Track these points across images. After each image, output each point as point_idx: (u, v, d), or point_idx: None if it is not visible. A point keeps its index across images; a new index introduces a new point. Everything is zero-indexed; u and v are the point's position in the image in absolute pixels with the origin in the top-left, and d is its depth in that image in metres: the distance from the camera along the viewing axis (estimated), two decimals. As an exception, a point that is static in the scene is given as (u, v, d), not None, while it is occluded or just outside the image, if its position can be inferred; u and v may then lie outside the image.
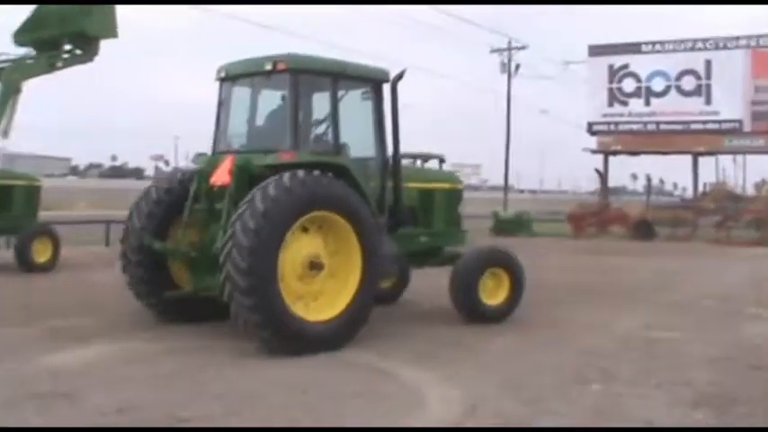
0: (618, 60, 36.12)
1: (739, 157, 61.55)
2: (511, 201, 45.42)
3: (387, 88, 8.74)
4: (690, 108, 34.45)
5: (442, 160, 25.10)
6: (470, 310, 9.27)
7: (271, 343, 7.38)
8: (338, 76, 8.48)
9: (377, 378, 6.64)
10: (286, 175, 7.54)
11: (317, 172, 7.75)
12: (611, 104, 36.16)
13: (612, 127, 36.19)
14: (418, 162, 24.82)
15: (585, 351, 7.69)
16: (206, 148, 8.98)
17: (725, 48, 33.72)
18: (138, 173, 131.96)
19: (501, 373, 6.82)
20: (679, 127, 34.69)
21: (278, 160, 7.96)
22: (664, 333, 8.83)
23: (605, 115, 36.20)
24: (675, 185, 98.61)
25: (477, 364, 7.20)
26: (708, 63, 34.06)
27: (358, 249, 7.94)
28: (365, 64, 9.01)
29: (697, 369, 7.00)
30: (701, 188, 38.34)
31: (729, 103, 33.40)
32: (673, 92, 34.90)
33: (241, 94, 8.87)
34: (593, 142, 36.58)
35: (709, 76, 34.02)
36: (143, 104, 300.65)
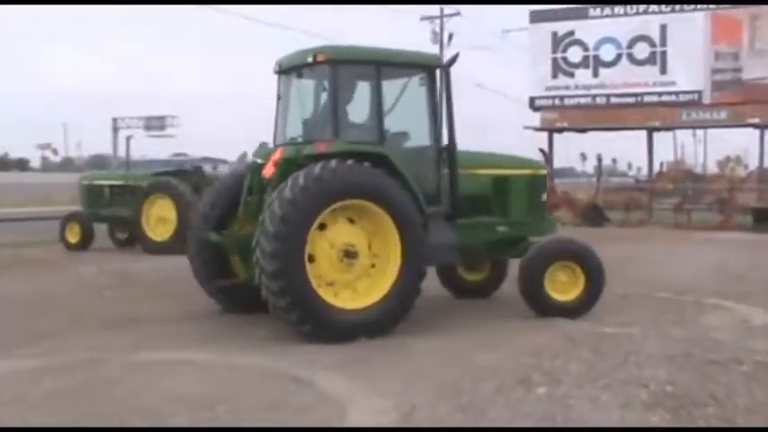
0: (562, 27, 36.54)
1: (700, 132, 63.18)
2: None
3: (439, 74, 9.66)
4: (643, 78, 34.89)
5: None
6: (538, 306, 9.84)
7: (300, 327, 8.49)
8: (382, 65, 9.43)
9: (294, 388, 6.72)
10: (317, 165, 8.60)
11: (350, 161, 8.67)
12: (555, 76, 36.60)
13: (557, 101, 36.69)
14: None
15: (529, 350, 7.87)
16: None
17: (681, 11, 34.41)
18: (22, 164, 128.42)
19: (436, 377, 6.95)
20: (632, 100, 35.22)
21: (314, 151, 9.08)
22: (615, 328, 9.10)
23: (549, 88, 36.64)
24: (629, 165, 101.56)
25: (409, 368, 7.32)
26: (663, 28, 34.63)
27: (397, 238, 8.88)
28: (415, 51, 9.98)
29: (652, 367, 7.22)
30: (657, 168, 39.37)
31: (687, 73, 33.78)
32: (624, 61, 35.35)
33: (293, 86, 10.07)
34: (536, 119, 37.09)
35: (664, 43, 34.36)
36: (27, 93, 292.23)
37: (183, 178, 19.36)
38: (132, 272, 14.76)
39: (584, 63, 36.16)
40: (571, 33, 36.35)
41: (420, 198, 9.23)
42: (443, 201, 9.77)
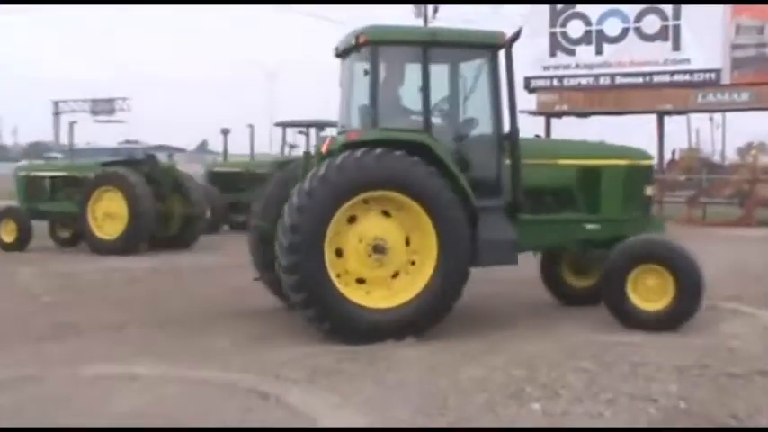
0: (562, -3, 36.67)
1: (717, 117, 63.56)
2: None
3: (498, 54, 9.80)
4: (653, 56, 34.86)
5: (341, 127, 25.38)
6: (620, 315, 9.65)
7: (319, 325, 8.96)
8: (431, 46, 9.62)
9: (260, 404, 6.72)
10: (342, 155, 9.05)
11: (379, 150, 8.98)
12: (553, 54, 36.64)
13: (556, 82, 36.74)
14: (312, 130, 25.08)
15: (522, 361, 7.87)
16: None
17: (697, -21, 34.33)
18: None
19: (420, 391, 6.95)
20: (640, 80, 35.27)
21: (347, 139, 9.51)
22: (620, 336, 9.13)
23: (547, 68, 36.68)
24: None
25: (389, 380, 7.33)
26: (675, -1, 34.71)
27: (433, 234, 9.14)
28: (472, 30, 10.16)
29: (662, 380, 7.25)
30: (668, 156, 39.57)
31: (703, 49, 33.60)
32: (631, 36, 35.37)
33: (347, 70, 10.48)
34: (532, 102, 37.17)
35: (677, 16, 34.22)
36: None
37: (135, 168, 19.24)
38: (75, 275, 14.68)
39: (585, 39, 36.15)
40: (571, 5, 36.34)
41: (466, 190, 9.41)
42: (503, 194, 9.87)
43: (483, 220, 9.54)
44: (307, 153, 10.67)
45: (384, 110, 9.63)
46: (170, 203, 19.37)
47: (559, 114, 37.31)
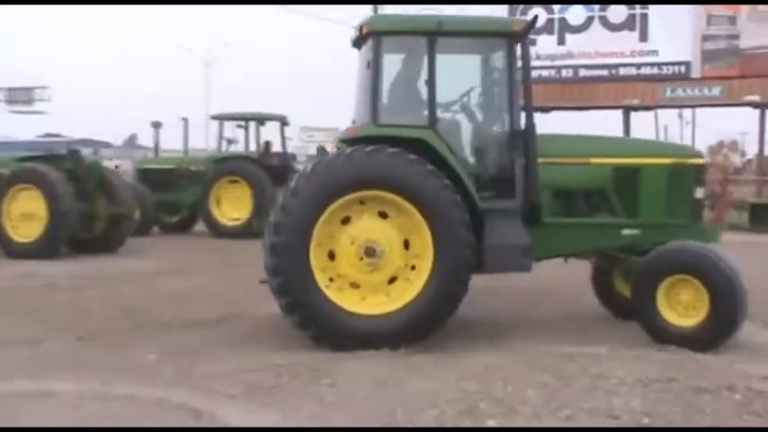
0: (521, -17, 36.76)
1: (687, 113, 64.10)
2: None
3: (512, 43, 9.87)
4: (619, 47, 35.02)
5: (283, 122, 25.43)
6: (651, 331, 9.47)
7: (304, 332, 9.19)
8: (438, 36, 9.68)
9: (193, 422, 6.71)
10: (334, 153, 9.42)
11: (371, 147, 9.15)
12: (514, 43, 36.88)
13: (516, 74, 36.92)
14: (251, 124, 25.04)
15: (477, 374, 7.92)
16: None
17: (666, -36, 34.54)
18: None
19: (364, 407, 6.99)
20: (605, 72, 35.44)
21: (345, 136, 9.86)
22: (582, 348, 9.23)
23: (506, 57, 36.85)
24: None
25: (332, 396, 7.34)
26: (644, -15, 34.88)
27: (428, 236, 9.21)
28: (485, 17, 10.31)
29: (625, 395, 7.32)
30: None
31: (672, 40, 33.80)
32: (596, 25, 35.44)
33: (359, 61, 10.55)
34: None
35: (645, 4, 34.49)
36: None
37: (55, 164, 19.02)
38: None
39: (547, 28, 36.11)
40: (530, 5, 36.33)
41: (470, 190, 9.49)
42: (517, 195, 9.84)
43: (491, 223, 9.59)
44: (321, 148, 11.03)
45: (389, 104, 9.86)
46: (94, 203, 19.16)
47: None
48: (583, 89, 35.74)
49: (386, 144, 9.27)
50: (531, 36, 33.10)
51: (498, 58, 10.15)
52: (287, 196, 9.16)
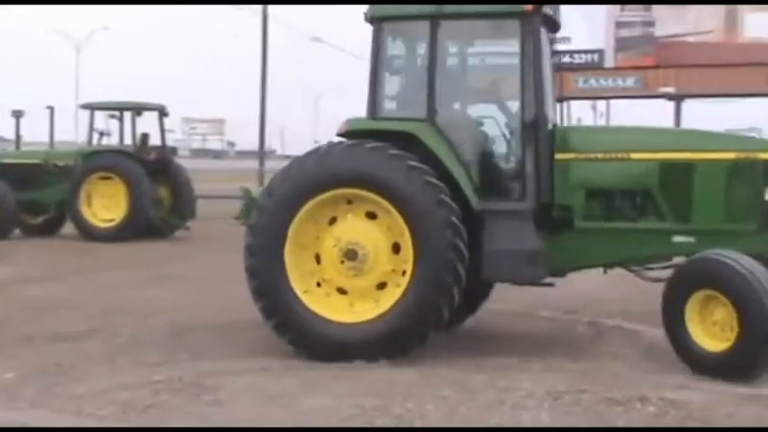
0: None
1: (601, 104, 65.13)
2: (272, 172, 45.57)
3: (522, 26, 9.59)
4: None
5: (162, 113, 25.12)
6: (682, 354, 8.85)
7: (281, 336, 9.35)
8: (441, 20, 9.61)
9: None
10: (313, 150, 9.61)
11: (350, 143, 9.39)
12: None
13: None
14: (126, 115, 24.68)
15: (374, 389, 8.00)
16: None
17: (579, -51, 34.98)
18: None
19: (247, 426, 6.99)
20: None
21: (339, 130, 9.81)
22: (488, 359, 9.36)
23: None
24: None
25: (217, 415, 7.31)
26: (552, -33, 35.23)
27: (409, 239, 9.14)
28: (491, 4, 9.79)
29: (533, 408, 7.47)
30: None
31: (585, 27, 34.40)
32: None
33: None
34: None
35: (570, -11, 35.13)
36: None
37: None
38: None
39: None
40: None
41: (464, 190, 9.36)
42: (528, 195, 9.55)
43: (493, 226, 9.39)
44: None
45: (394, 96, 10.00)
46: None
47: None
48: (484, 80, 35.83)
49: (375, 139, 9.30)
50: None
51: (506, 43, 10.01)
52: (263, 197, 9.45)
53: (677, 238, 9.54)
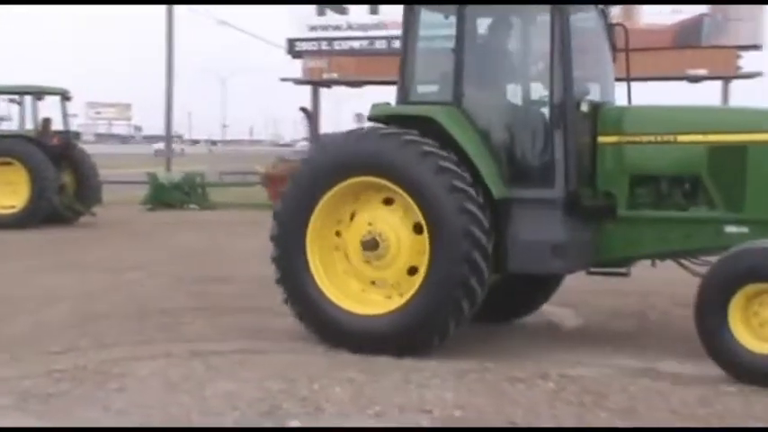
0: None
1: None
2: (179, 158, 45.40)
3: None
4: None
5: (65, 97, 24.74)
6: (720, 358, 8.08)
7: (306, 325, 9.33)
8: (467, 2, 9.32)
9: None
10: (335, 137, 9.79)
11: (370, 127, 9.35)
12: (321, 12, 36.92)
13: (325, 46, 37.00)
14: (27, 98, 24.20)
15: (280, 373, 8.01)
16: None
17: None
18: None
19: (157, 414, 6.98)
20: (421, 45, 36.17)
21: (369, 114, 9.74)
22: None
23: (314, 28, 36.93)
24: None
25: (120, 402, 7.27)
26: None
27: (424, 227, 8.83)
28: None
29: (437, 388, 7.59)
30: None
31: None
32: (410, -6, 36.17)
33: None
34: (297, 68, 37.37)
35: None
36: None
37: None
38: None
39: (360, -5, 36.52)
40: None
41: (485, 177, 8.89)
42: (556, 183, 9.01)
43: (517, 214, 9.01)
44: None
45: (421, 79, 9.78)
46: None
47: (328, 83, 37.69)
48: (396, 63, 35.97)
49: (399, 124, 9.15)
50: (342, 5, 33.51)
51: (538, 24, 9.64)
52: (288, 185, 9.47)
53: (730, 229, 8.83)
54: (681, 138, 9.06)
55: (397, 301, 9.03)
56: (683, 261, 9.38)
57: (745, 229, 8.73)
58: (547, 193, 9.00)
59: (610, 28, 10.04)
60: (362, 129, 9.57)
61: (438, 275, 8.70)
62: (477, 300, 8.79)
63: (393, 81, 32.26)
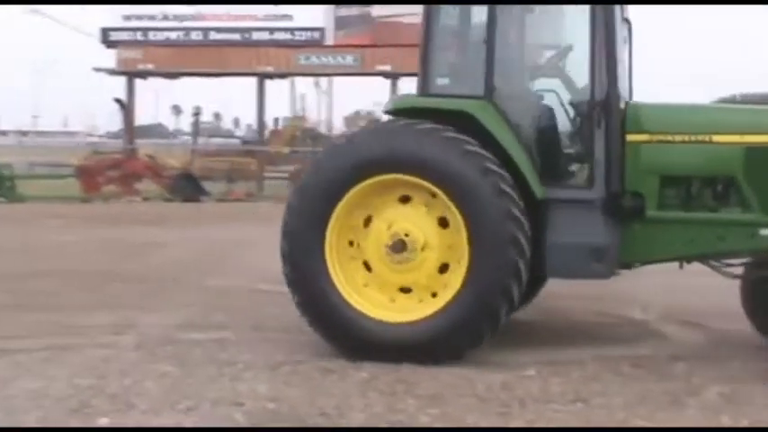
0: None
1: (324, 81, 66.27)
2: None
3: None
4: (251, 10, 35.68)
5: None
6: None
7: (322, 334, 8.56)
8: None
9: None
10: (360, 128, 8.95)
11: (401, 121, 8.56)
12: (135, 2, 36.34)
13: (140, 36, 36.44)
14: None
15: (89, 368, 7.87)
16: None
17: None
18: None
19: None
20: (237, 37, 35.93)
21: (386, 107, 9.35)
22: (207, 333, 9.42)
23: (128, 18, 36.31)
24: (237, 122, 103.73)
25: None
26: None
27: (463, 228, 8.24)
28: None
29: (251, 380, 7.59)
30: (270, 125, 40.67)
31: (305, 5, 34.87)
32: (223, -15, 35.86)
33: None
34: (111, 58, 36.67)
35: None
36: None
37: None
38: None
39: (176, -15, 36.08)
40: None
41: (526, 175, 8.47)
42: (596, 182, 8.66)
43: (557, 216, 8.60)
44: None
45: (446, 70, 9.39)
46: None
47: (144, 74, 37.11)
48: (214, 54, 35.92)
49: (426, 118, 8.48)
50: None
51: (576, 13, 8.99)
52: (301, 182, 8.78)
53: (764, 231, 8.55)
54: (717, 138, 8.71)
55: (430, 305, 8.45)
56: (713, 263, 9.05)
57: None
58: (586, 193, 8.69)
59: (627, 23, 9.80)
60: (393, 123, 8.73)
61: (479, 282, 8.19)
62: (514, 308, 8.59)
63: (210, 73, 32.27)
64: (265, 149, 35.63)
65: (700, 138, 8.70)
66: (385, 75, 35.02)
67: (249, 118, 55.30)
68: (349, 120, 57.27)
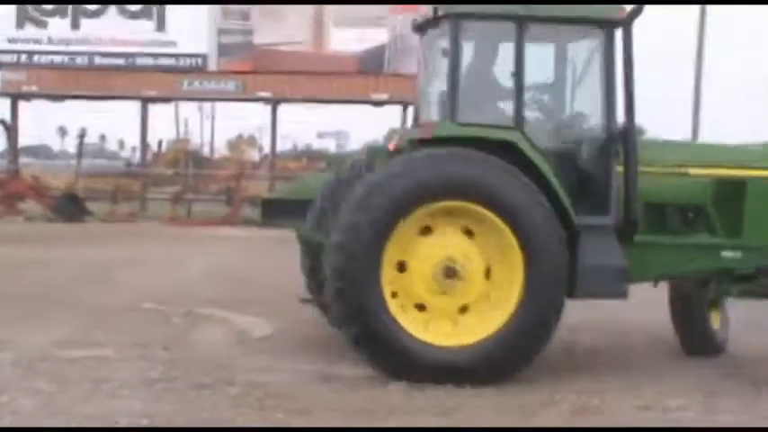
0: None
1: (207, 106, 65.94)
2: None
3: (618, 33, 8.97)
4: (136, 36, 35.47)
5: None
6: None
7: (369, 359, 8.43)
8: (527, 21, 8.81)
9: None
10: (395, 159, 8.69)
11: (450, 150, 8.43)
12: (21, 25, 35.73)
13: (24, 58, 35.84)
14: None
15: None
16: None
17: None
18: None
19: None
20: (121, 61, 35.54)
21: (417, 136, 9.06)
22: (86, 351, 9.29)
23: (13, 40, 35.66)
24: (122, 144, 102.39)
25: None
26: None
27: (518, 253, 8.36)
28: (584, 5, 9.19)
29: (126, 397, 7.57)
30: (154, 148, 40.31)
31: (190, 32, 34.56)
32: (112, 11, 35.31)
33: (426, 49, 9.96)
34: (-5, 81, 36.01)
35: (160, -7, 35.28)
36: None
37: None
38: None
39: (60, 11, 35.60)
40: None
41: (565, 204, 8.64)
42: (613, 209, 8.97)
43: (585, 241, 8.78)
44: (371, 149, 9.96)
45: (467, 99, 8.96)
46: None
47: (28, 96, 36.51)
48: (99, 78, 35.52)
49: (461, 146, 8.49)
50: (42, 18, 32.52)
51: (597, 49, 9.21)
52: (354, 211, 8.33)
53: (726, 254, 9.27)
54: (693, 170, 9.28)
55: (446, 333, 8.52)
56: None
57: (738, 254, 9.23)
58: (604, 219, 8.96)
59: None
60: (438, 152, 8.54)
61: (536, 303, 8.40)
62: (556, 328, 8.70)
63: (95, 96, 31.81)
64: (148, 171, 35.29)
65: (677, 170, 9.28)
66: (265, 100, 35.19)
67: (134, 140, 54.77)
68: (232, 143, 57.08)
